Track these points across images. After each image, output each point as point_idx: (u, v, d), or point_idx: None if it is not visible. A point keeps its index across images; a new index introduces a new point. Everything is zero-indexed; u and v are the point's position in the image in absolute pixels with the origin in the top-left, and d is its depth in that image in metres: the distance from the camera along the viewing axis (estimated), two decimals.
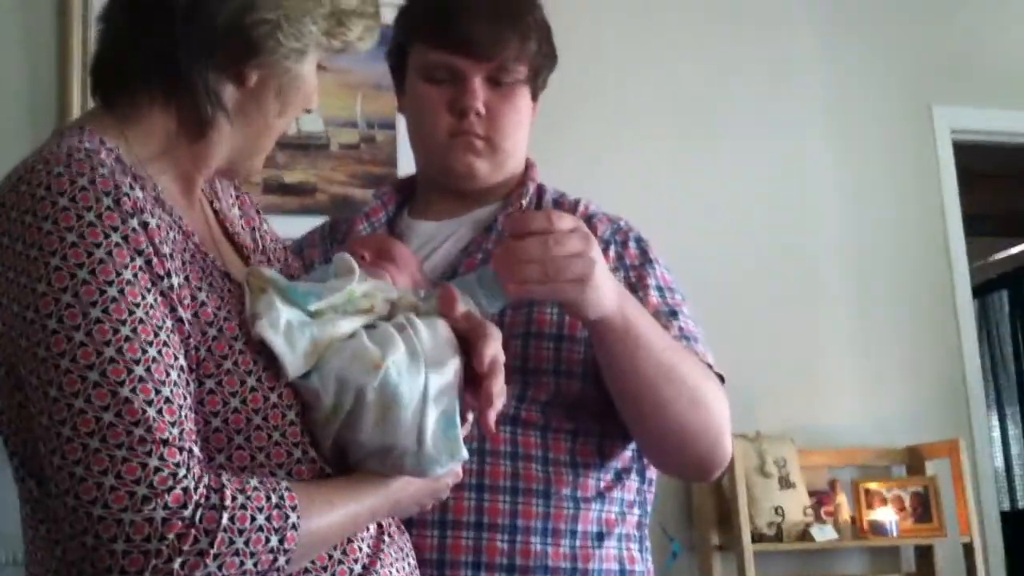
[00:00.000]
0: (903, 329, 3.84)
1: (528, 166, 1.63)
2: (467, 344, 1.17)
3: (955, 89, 4.09)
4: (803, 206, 3.86)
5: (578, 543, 1.41)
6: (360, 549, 1.13)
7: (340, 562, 1.10)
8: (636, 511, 1.50)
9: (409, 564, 1.21)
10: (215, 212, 1.29)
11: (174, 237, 1.08)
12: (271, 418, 1.07)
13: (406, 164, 1.69)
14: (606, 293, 1.29)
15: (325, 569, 1.09)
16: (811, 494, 3.47)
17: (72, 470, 0.95)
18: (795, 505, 3.40)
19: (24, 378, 1.00)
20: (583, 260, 1.25)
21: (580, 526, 1.42)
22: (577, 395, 1.45)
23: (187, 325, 1.05)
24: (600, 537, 1.44)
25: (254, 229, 1.34)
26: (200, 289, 1.08)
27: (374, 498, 1.13)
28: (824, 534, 3.37)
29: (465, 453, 1.14)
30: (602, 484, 1.46)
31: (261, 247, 1.33)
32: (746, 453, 3.34)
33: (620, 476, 1.48)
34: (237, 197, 1.36)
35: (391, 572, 1.15)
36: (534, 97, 1.60)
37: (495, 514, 1.38)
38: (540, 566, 1.38)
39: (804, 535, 3.37)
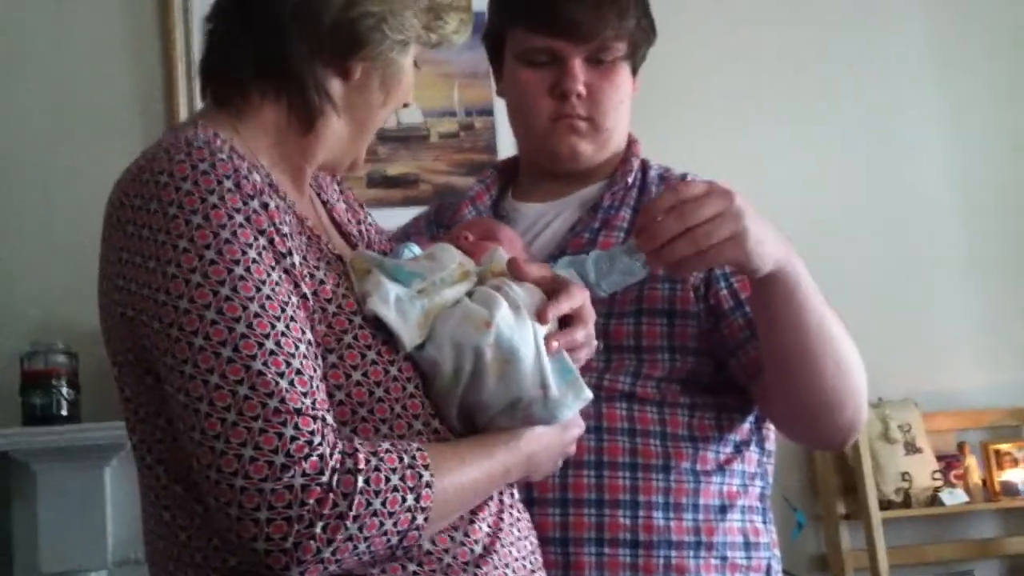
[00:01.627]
0: (1020, 283, 3.73)
1: (631, 142, 1.62)
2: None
3: None
4: (915, 158, 3.77)
5: (701, 516, 1.41)
6: (481, 529, 1.14)
7: (462, 544, 1.12)
8: (758, 483, 1.49)
9: (531, 543, 1.22)
10: (323, 203, 1.32)
11: (290, 220, 1.11)
12: (392, 391, 1.10)
13: (505, 149, 1.70)
14: (771, 241, 1.25)
15: (447, 552, 1.10)
16: (939, 458, 3.41)
17: (212, 444, 0.98)
18: (922, 470, 3.35)
19: (157, 360, 1.04)
20: (728, 216, 1.20)
21: (702, 499, 1.42)
22: (691, 370, 1.44)
23: (309, 301, 1.08)
24: (723, 510, 1.43)
25: (359, 222, 1.37)
26: (318, 268, 1.12)
27: (506, 453, 1.15)
28: (954, 498, 3.31)
29: (589, 392, 1.16)
30: (722, 457, 1.45)
31: (367, 240, 1.36)
32: (869, 420, 3.29)
33: (739, 448, 1.47)
34: (341, 192, 1.39)
35: (511, 552, 1.16)
36: (634, 72, 1.59)
37: (616, 491, 1.39)
38: (663, 540, 1.38)
39: (933, 500, 3.32)
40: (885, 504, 3.29)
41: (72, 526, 2.87)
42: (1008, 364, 3.66)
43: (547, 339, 1.15)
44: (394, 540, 1.02)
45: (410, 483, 1.03)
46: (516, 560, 1.16)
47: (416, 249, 1.25)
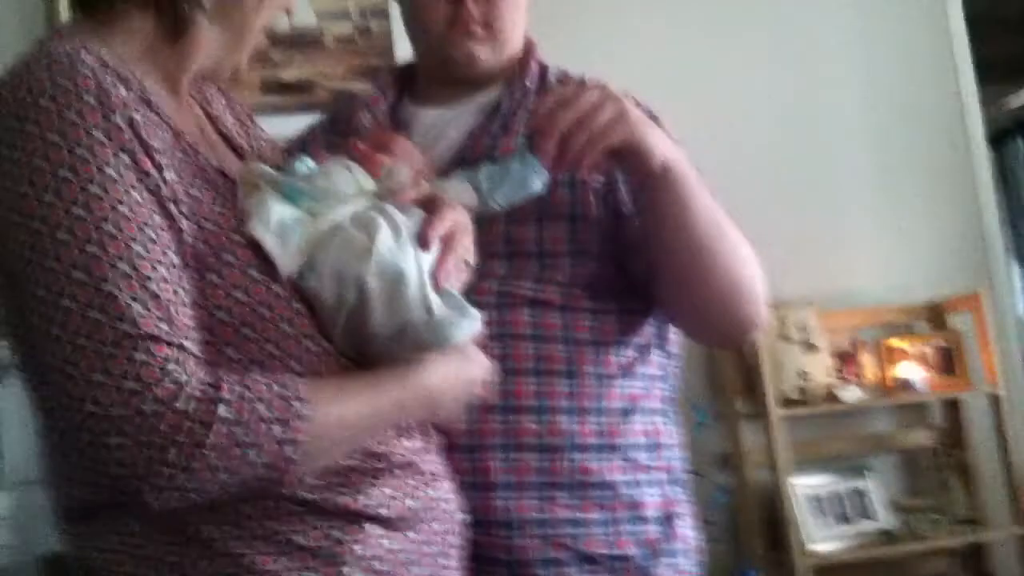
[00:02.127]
0: (919, 183, 3.80)
1: (528, 45, 1.60)
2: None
3: None
4: (815, 65, 3.78)
5: (605, 419, 1.43)
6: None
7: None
8: (660, 385, 1.51)
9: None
10: (208, 116, 1.27)
11: (163, 135, 1.07)
12: (277, 308, 1.07)
13: (403, 54, 1.65)
14: (658, 134, 1.31)
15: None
16: (835, 356, 3.48)
17: (63, 368, 0.96)
18: (819, 368, 3.42)
19: (18, 280, 1.00)
20: (610, 99, 1.26)
21: (605, 403, 1.43)
22: (594, 274, 1.44)
23: (184, 220, 1.04)
24: (626, 412, 1.45)
25: (248, 135, 1.33)
26: (193, 185, 1.08)
27: (399, 387, 1.12)
28: (850, 394, 3.39)
29: (475, 311, 1.15)
30: (624, 360, 1.46)
31: (258, 153, 1.31)
32: (767, 320, 3.34)
33: (642, 351, 1.48)
34: (228, 104, 1.35)
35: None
36: None
37: (522, 396, 1.39)
38: (570, 444, 1.40)
39: (830, 397, 3.39)
40: (784, 402, 3.35)
41: None
42: (903, 262, 3.73)
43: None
44: (261, 472, 1.00)
45: (278, 414, 1.00)
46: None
47: (310, 163, 1.21)
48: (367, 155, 1.27)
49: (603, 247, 1.45)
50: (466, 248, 1.21)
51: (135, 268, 0.98)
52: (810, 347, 3.43)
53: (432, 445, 1.22)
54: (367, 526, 1.09)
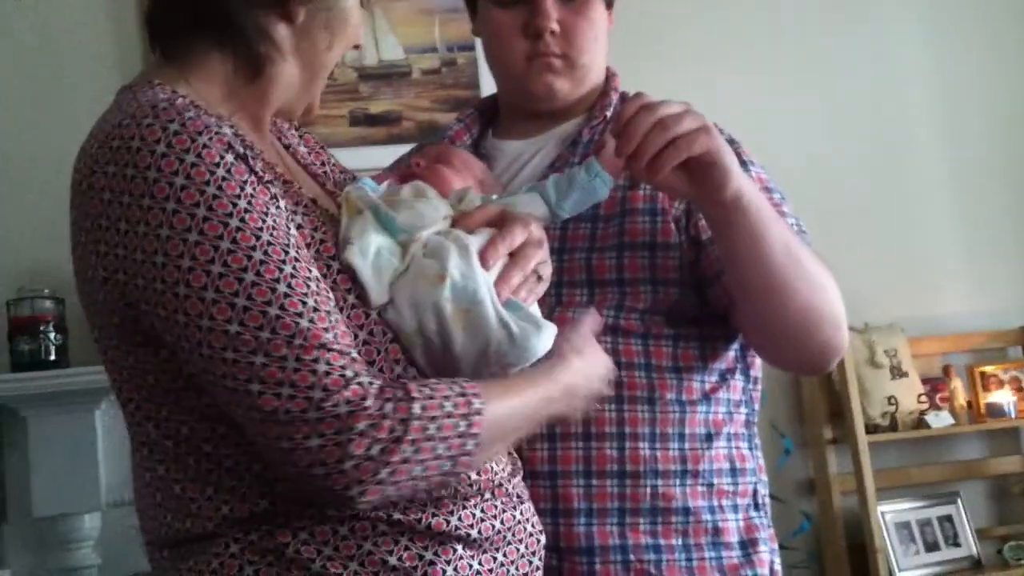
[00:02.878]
0: (1010, 208, 3.75)
1: (609, 76, 1.61)
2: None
3: None
4: (900, 88, 3.77)
5: (687, 445, 1.43)
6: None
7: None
8: (743, 410, 1.51)
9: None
10: (285, 147, 1.32)
11: (261, 168, 1.11)
12: (375, 334, 1.12)
13: (488, 85, 1.68)
14: (735, 159, 1.29)
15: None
16: (925, 382, 3.44)
17: (248, 387, 1.00)
18: (908, 394, 3.38)
19: (159, 321, 1.04)
20: (692, 113, 1.25)
21: (687, 429, 1.43)
22: (675, 302, 1.45)
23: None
24: (708, 438, 1.45)
25: (323, 163, 1.37)
26: (295, 213, 1.12)
27: (546, 382, 1.16)
28: (940, 420, 3.34)
29: (549, 323, 1.17)
30: (707, 386, 1.46)
31: (333, 180, 1.35)
32: (855, 346, 3.32)
33: (725, 377, 1.49)
34: (301, 136, 1.39)
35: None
36: (609, 6, 1.57)
37: (602, 423, 1.40)
38: (650, 470, 1.40)
39: (919, 423, 3.35)
40: (872, 428, 3.32)
41: (64, 470, 2.88)
42: (993, 287, 3.68)
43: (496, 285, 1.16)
44: (447, 465, 1.05)
45: (462, 410, 1.05)
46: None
47: (371, 183, 1.25)
48: (426, 168, 1.30)
49: (683, 275, 1.45)
50: (539, 262, 1.22)
51: (291, 288, 1.02)
52: (899, 373, 3.39)
53: (517, 468, 1.25)
54: (457, 547, 1.12)
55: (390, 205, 1.19)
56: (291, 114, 1.28)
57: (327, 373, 1.00)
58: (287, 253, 1.04)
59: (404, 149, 1.75)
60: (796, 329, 1.40)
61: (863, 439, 3.25)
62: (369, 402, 1.00)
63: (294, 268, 1.03)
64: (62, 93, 3.16)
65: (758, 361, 1.55)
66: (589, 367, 1.22)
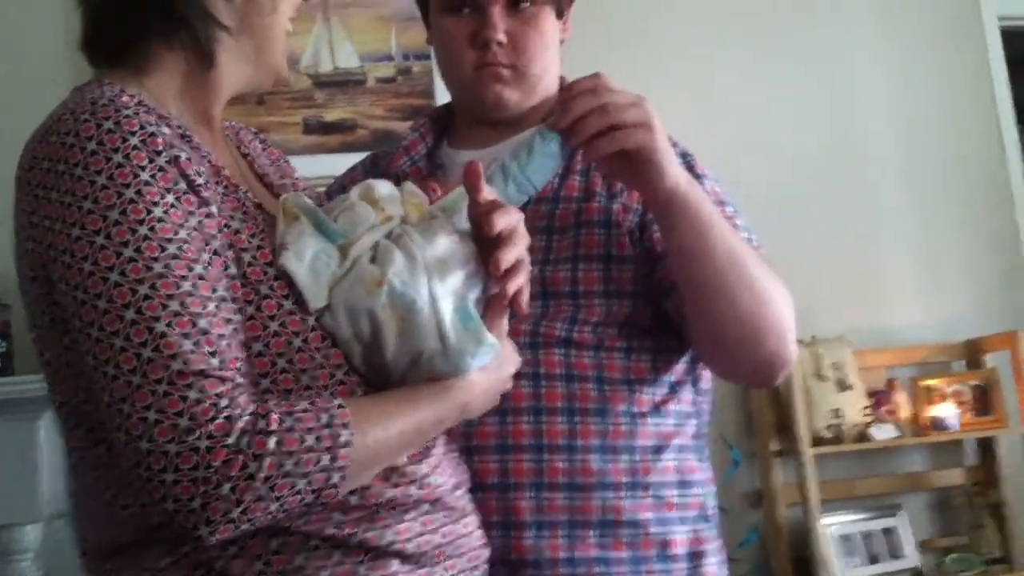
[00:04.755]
0: (959, 223, 3.80)
1: (564, 86, 1.61)
2: (489, 244, 1.17)
3: None
4: (853, 105, 3.81)
5: (637, 457, 1.43)
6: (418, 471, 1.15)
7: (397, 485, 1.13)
8: (693, 422, 1.51)
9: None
10: (244, 156, 1.31)
11: (204, 171, 1.10)
12: (311, 340, 1.10)
13: (444, 94, 1.68)
14: (674, 158, 1.30)
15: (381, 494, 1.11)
16: (870, 395, 3.47)
17: (119, 407, 0.98)
18: (854, 406, 3.41)
19: (70, 323, 1.04)
20: (640, 107, 1.25)
21: (638, 441, 1.43)
22: (628, 314, 1.45)
23: (227, 252, 1.08)
24: (658, 450, 1.45)
25: (283, 177, 1.36)
26: (233, 218, 1.11)
27: (437, 403, 1.14)
28: (884, 433, 3.38)
29: (492, 338, 1.14)
30: (657, 398, 1.47)
31: (292, 189, 1.34)
32: (802, 358, 3.34)
33: (675, 389, 1.49)
34: (264, 149, 1.38)
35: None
36: (560, 15, 1.57)
37: (554, 436, 1.40)
38: (600, 483, 1.40)
39: (864, 436, 3.38)
40: (817, 440, 3.35)
41: (5, 479, 2.83)
42: (938, 301, 3.73)
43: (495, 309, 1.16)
44: (308, 499, 1.02)
45: (326, 443, 1.02)
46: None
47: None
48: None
49: (637, 287, 1.45)
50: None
51: (185, 306, 1.00)
52: (844, 385, 3.42)
53: (464, 481, 1.24)
54: (393, 562, 1.10)
55: (328, 211, 1.18)
56: (261, 86, 1.27)
57: (198, 401, 0.97)
58: (191, 269, 1.02)
59: (358, 157, 1.74)
60: (740, 338, 1.40)
61: (808, 451, 3.28)
62: (231, 438, 0.97)
63: (194, 286, 1.01)
64: (13, 96, 3.12)
65: (707, 373, 1.55)
66: (492, 380, 1.20)
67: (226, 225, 1.09)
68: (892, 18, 3.90)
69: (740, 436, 3.48)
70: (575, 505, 1.39)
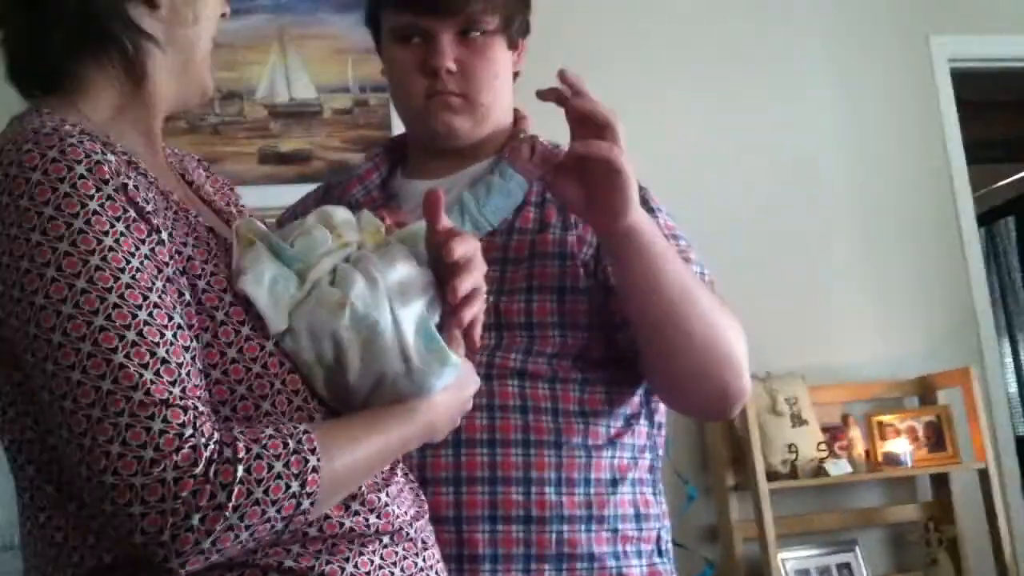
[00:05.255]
0: (910, 260, 3.84)
1: (518, 118, 1.62)
2: (447, 272, 1.16)
3: (952, 18, 4.06)
4: (804, 142, 3.85)
5: (592, 490, 1.43)
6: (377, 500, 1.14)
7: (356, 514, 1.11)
8: (647, 455, 1.51)
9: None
10: (189, 184, 1.30)
11: (153, 196, 1.08)
12: (270, 366, 1.08)
13: (400, 126, 1.68)
14: (635, 193, 1.31)
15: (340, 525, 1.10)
16: (824, 430, 3.49)
17: (80, 442, 0.96)
18: (808, 442, 3.42)
19: (21, 357, 1.01)
20: (611, 131, 1.28)
21: (593, 473, 1.43)
22: (583, 346, 1.45)
23: (179, 280, 1.06)
24: (614, 483, 1.45)
25: (229, 203, 1.35)
26: (185, 244, 1.09)
27: (403, 426, 1.13)
28: (839, 468, 3.39)
29: (455, 358, 1.13)
30: (612, 431, 1.47)
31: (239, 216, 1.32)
32: (757, 393, 3.35)
33: (630, 422, 1.49)
34: (208, 176, 1.37)
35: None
36: (512, 46, 1.57)
37: (509, 468, 1.39)
38: (556, 516, 1.40)
39: (819, 471, 3.39)
40: (772, 475, 3.35)
41: None
42: (891, 337, 3.76)
43: (450, 334, 1.15)
44: (279, 526, 1.01)
45: (295, 469, 1.00)
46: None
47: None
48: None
49: (591, 319, 1.45)
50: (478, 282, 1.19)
51: (142, 335, 0.98)
52: (799, 421, 3.43)
53: (423, 511, 1.22)
54: None
55: (284, 236, 1.17)
56: (187, 102, 1.25)
57: (162, 432, 0.95)
58: (146, 298, 1.00)
59: (314, 188, 1.73)
60: (694, 371, 1.41)
61: (764, 486, 3.29)
62: (199, 468, 0.95)
63: (150, 314, 0.99)
64: None
65: (662, 406, 1.55)
66: (454, 400, 1.19)
67: (178, 251, 1.07)
68: (844, 61, 3.95)
69: (695, 471, 3.48)
70: (531, 538, 1.39)
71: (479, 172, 1.56)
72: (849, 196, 3.86)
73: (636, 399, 1.50)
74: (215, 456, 0.97)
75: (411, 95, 1.54)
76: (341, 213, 1.22)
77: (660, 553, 1.50)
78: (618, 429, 1.47)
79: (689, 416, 1.62)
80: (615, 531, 1.44)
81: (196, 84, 1.23)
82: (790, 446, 3.39)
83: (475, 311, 1.17)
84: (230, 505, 0.96)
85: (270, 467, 0.99)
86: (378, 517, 1.13)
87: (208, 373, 1.05)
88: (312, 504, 1.02)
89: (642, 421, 1.51)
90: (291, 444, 1.02)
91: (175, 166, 1.29)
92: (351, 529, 1.10)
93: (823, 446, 3.44)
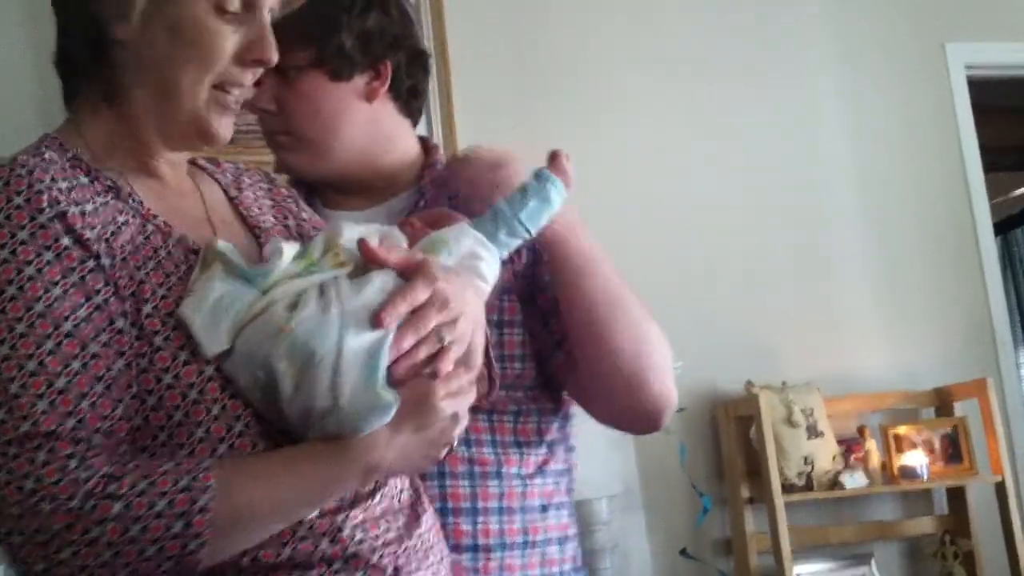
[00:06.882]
0: (926, 270, 3.82)
1: (429, 148, 1.62)
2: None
3: (967, 25, 4.03)
4: (818, 152, 3.85)
5: (527, 517, 1.47)
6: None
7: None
8: (566, 479, 1.55)
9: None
10: (230, 198, 1.28)
11: (120, 220, 1.10)
12: (208, 391, 1.06)
13: None
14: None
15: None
16: (840, 442, 3.47)
17: None
18: (824, 454, 3.40)
19: None
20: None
21: (527, 501, 1.48)
22: (517, 376, 1.48)
23: (113, 307, 1.05)
24: (544, 509, 1.50)
25: (286, 217, 1.33)
26: (140, 268, 1.09)
27: (327, 463, 1.06)
28: (854, 481, 3.37)
29: (388, 398, 1.04)
30: (540, 459, 1.51)
31: (298, 235, 1.30)
32: (773, 404, 3.33)
33: (551, 449, 1.53)
34: (270, 190, 1.36)
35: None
36: (338, 77, 1.51)
37: (457, 499, 1.43)
38: (498, 544, 1.44)
39: (834, 483, 3.37)
40: (788, 487, 3.33)
41: None
42: (908, 348, 3.74)
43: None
44: (166, 565, 0.99)
45: (178, 509, 0.98)
46: None
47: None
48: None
49: (524, 348, 1.49)
50: (441, 323, 1.10)
51: (44, 366, 1.00)
52: (816, 433, 3.41)
53: (410, 535, 1.17)
54: None
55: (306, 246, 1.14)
56: (185, 146, 1.22)
57: (45, 463, 0.97)
58: (58, 327, 1.01)
59: None
60: (627, 380, 1.44)
61: (779, 498, 3.27)
62: (74, 502, 0.96)
63: (57, 344, 1.01)
64: None
65: (574, 431, 1.59)
66: (409, 441, 1.09)
67: (130, 276, 1.07)
68: (858, 68, 3.94)
69: (710, 483, 3.47)
70: (478, 567, 1.42)
71: (401, 206, 1.54)
72: (865, 205, 3.84)
73: (555, 426, 1.54)
74: (96, 490, 0.97)
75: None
76: (350, 232, 1.15)
77: (577, 571, 1.55)
78: (544, 457, 1.51)
79: (620, 429, 1.62)
80: (545, 554, 1.49)
81: (178, 126, 1.17)
82: (806, 458, 3.37)
83: (415, 338, 1.08)
84: (103, 541, 0.96)
85: (151, 505, 0.98)
86: (331, 542, 1.08)
87: (144, 400, 1.05)
88: (201, 545, 0.99)
89: (561, 447, 1.55)
90: (183, 481, 0.99)
91: (223, 183, 1.28)
92: (290, 558, 1.06)
93: (839, 458, 3.42)
